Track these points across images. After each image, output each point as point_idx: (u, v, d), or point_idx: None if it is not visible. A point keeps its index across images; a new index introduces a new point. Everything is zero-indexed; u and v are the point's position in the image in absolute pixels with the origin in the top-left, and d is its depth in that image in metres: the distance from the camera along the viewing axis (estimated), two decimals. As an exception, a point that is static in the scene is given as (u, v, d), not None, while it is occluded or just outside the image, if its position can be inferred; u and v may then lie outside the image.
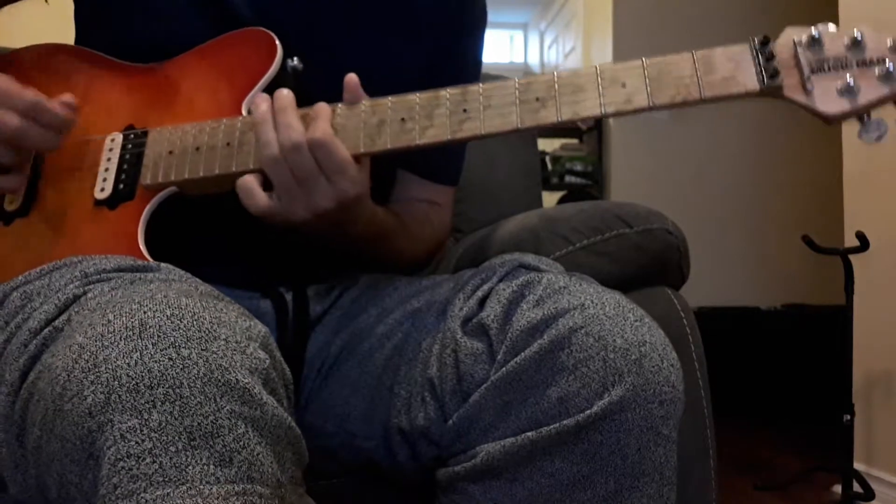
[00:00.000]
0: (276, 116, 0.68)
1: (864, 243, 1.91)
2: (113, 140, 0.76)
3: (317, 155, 0.66)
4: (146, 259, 0.67)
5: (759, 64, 0.64)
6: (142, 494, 0.42)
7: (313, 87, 0.72)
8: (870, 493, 1.93)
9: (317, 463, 0.59)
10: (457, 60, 0.88)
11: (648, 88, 0.65)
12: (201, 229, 0.75)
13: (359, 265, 0.83)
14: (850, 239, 2.02)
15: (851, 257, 1.98)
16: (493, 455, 0.61)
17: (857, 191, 2.12)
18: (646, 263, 0.94)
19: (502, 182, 1.36)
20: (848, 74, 0.63)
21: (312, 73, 0.76)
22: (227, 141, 0.72)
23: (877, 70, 0.63)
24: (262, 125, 0.68)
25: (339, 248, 0.78)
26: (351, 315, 0.78)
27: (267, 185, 0.69)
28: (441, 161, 0.91)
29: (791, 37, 0.65)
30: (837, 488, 2.03)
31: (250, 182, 0.69)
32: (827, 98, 0.64)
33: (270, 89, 0.74)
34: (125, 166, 0.74)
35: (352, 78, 0.71)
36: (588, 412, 0.58)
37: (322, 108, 0.69)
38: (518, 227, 0.99)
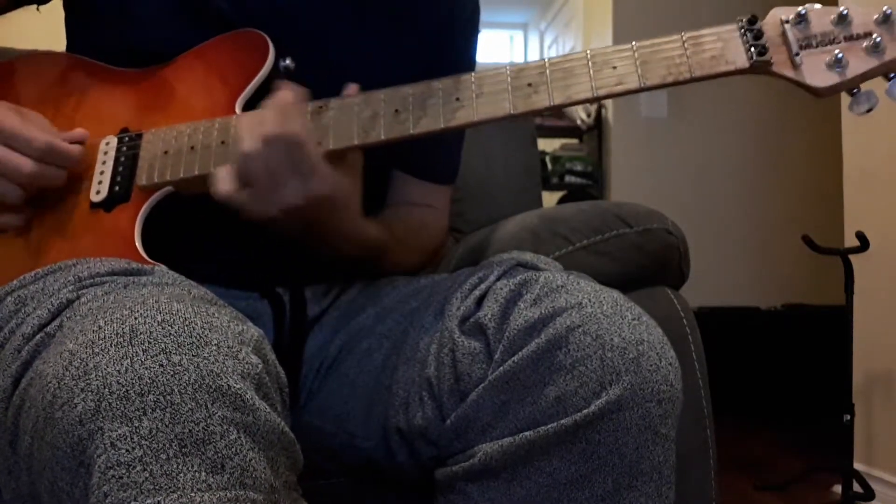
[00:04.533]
0: (261, 112, 0.68)
1: (864, 243, 1.91)
2: (108, 143, 0.77)
3: (286, 151, 0.66)
4: (143, 260, 0.67)
5: (748, 42, 0.66)
6: (132, 503, 0.42)
7: (306, 86, 0.72)
8: (870, 493, 1.93)
9: (316, 463, 0.59)
10: (449, 61, 0.88)
11: (639, 70, 0.66)
12: (198, 229, 0.75)
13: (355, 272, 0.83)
14: (850, 239, 2.01)
15: (851, 257, 1.98)
16: (491, 455, 0.60)
17: (857, 191, 2.12)
18: (646, 263, 0.94)
19: (502, 182, 1.36)
20: (836, 49, 0.65)
21: (304, 72, 0.76)
22: (221, 139, 0.72)
23: (864, 43, 0.64)
24: (237, 123, 0.68)
25: (333, 261, 0.78)
26: (349, 315, 0.78)
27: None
28: (437, 160, 0.91)
29: (778, 16, 0.67)
30: (837, 488, 2.02)
31: (221, 170, 0.69)
32: (816, 72, 0.65)
33: (264, 89, 0.74)
34: (120, 168, 0.74)
35: (353, 90, 0.72)
36: (586, 411, 0.58)
37: (301, 105, 0.69)
38: (518, 227, 0.99)
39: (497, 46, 5.79)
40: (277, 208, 0.67)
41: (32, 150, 0.70)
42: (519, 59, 5.79)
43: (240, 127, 0.68)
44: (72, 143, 0.74)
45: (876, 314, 2.02)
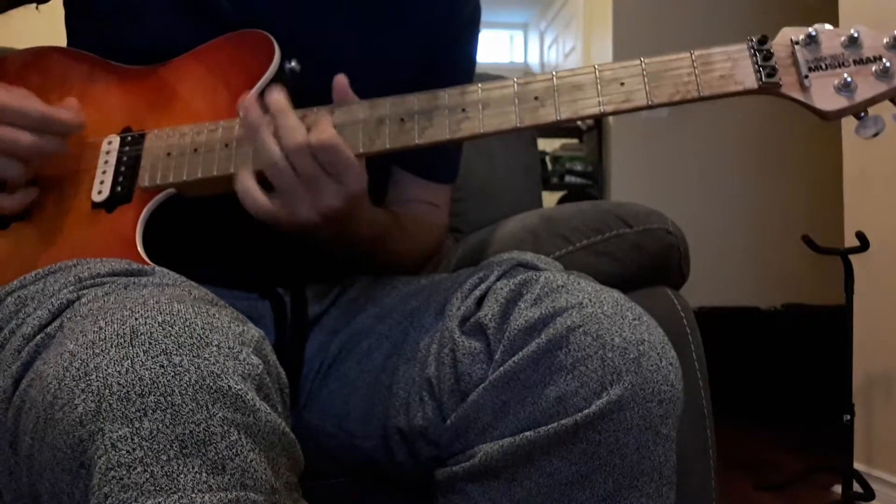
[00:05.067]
0: (276, 119, 0.67)
1: (864, 243, 1.91)
2: (110, 143, 0.76)
3: (321, 157, 0.66)
4: (144, 261, 0.67)
5: (757, 62, 0.65)
6: None
7: (310, 88, 0.72)
8: (870, 493, 1.93)
9: (316, 463, 0.59)
10: (450, 59, 0.88)
11: (647, 87, 0.66)
12: (199, 231, 0.75)
13: (357, 269, 0.83)
14: (850, 239, 2.02)
15: (851, 257, 1.98)
16: (492, 455, 0.60)
17: (857, 191, 2.12)
18: (646, 263, 0.95)
19: (502, 182, 1.36)
20: (845, 72, 0.64)
21: (309, 74, 0.76)
22: (225, 142, 0.72)
23: (873, 67, 0.64)
24: (259, 130, 0.68)
25: (341, 253, 0.78)
26: (350, 315, 0.78)
27: (267, 187, 0.69)
28: (438, 159, 0.91)
29: (788, 36, 0.66)
30: (837, 488, 2.03)
31: (250, 186, 0.67)
32: (824, 95, 0.65)
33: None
34: (122, 168, 0.74)
35: (340, 80, 0.70)
36: (586, 411, 0.58)
37: (321, 110, 0.69)
38: (518, 227, 0.99)
39: (497, 46, 5.79)
40: (318, 213, 0.67)
41: (28, 122, 0.69)
42: (519, 60, 5.79)
43: (263, 137, 0.67)
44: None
45: (876, 314, 2.02)
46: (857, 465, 2.00)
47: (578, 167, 3.68)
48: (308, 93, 0.72)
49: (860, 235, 1.92)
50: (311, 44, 0.79)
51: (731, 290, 3.39)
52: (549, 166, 3.70)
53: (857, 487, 1.96)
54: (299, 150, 0.65)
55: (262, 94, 0.71)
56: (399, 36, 0.85)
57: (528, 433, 0.59)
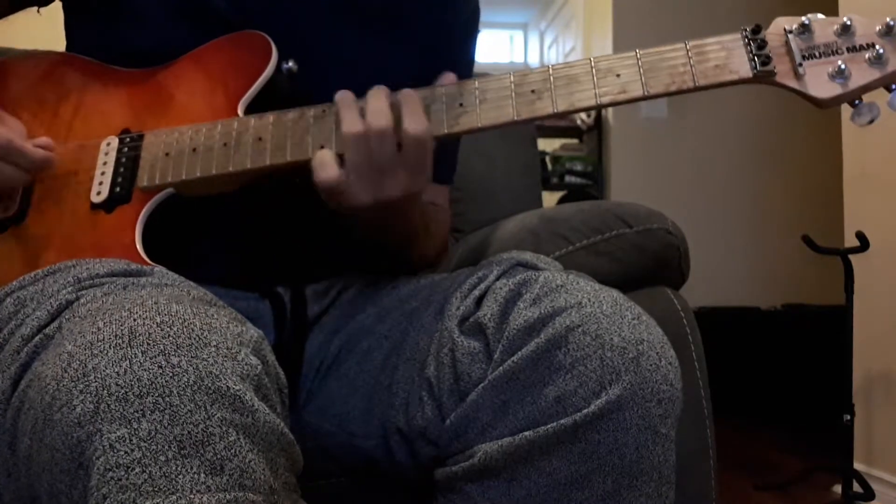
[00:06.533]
0: (369, 100, 0.68)
1: (864, 243, 1.91)
2: (109, 144, 0.76)
3: (408, 148, 0.66)
4: (144, 261, 0.67)
5: (751, 51, 0.66)
6: None
7: (309, 89, 0.72)
8: (870, 493, 1.93)
9: (316, 463, 0.59)
10: (449, 61, 0.87)
11: (643, 78, 0.66)
12: (199, 231, 0.75)
13: (360, 266, 0.83)
14: (850, 239, 2.02)
15: (851, 257, 1.98)
16: (491, 455, 0.60)
17: (857, 191, 2.12)
18: (646, 263, 0.95)
19: (502, 182, 1.36)
20: (839, 59, 0.65)
21: (306, 74, 0.76)
22: (223, 141, 0.72)
23: (867, 55, 0.65)
24: (347, 106, 0.68)
25: (379, 243, 0.79)
26: (349, 314, 0.78)
27: None
28: (438, 159, 0.91)
29: (781, 25, 0.67)
30: (837, 488, 2.02)
31: (327, 155, 0.68)
32: (819, 83, 0.65)
33: (266, 91, 0.74)
34: (121, 169, 0.74)
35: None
36: (585, 411, 0.58)
37: (411, 97, 0.69)
38: (518, 227, 0.99)
39: (497, 46, 5.79)
40: (375, 199, 0.67)
41: None
42: (519, 60, 5.79)
43: (347, 112, 0.67)
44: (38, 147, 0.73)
45: (876, 314, 2.02)
46: (857, 465, 2.00)
47: (578, 167, 3.68)
48: (306, 93, 0.72)
49: (860, 235, 1.92)
50: (310, 45, 0.79)
51: (731, 290, 3.39)
52: (549, 166, 3.70)
53: (857, 487, 1.96)
54: (381, 134, 0.66)
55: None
56: (398, 37, 0.85)
57: (527, 433, 0.59)
